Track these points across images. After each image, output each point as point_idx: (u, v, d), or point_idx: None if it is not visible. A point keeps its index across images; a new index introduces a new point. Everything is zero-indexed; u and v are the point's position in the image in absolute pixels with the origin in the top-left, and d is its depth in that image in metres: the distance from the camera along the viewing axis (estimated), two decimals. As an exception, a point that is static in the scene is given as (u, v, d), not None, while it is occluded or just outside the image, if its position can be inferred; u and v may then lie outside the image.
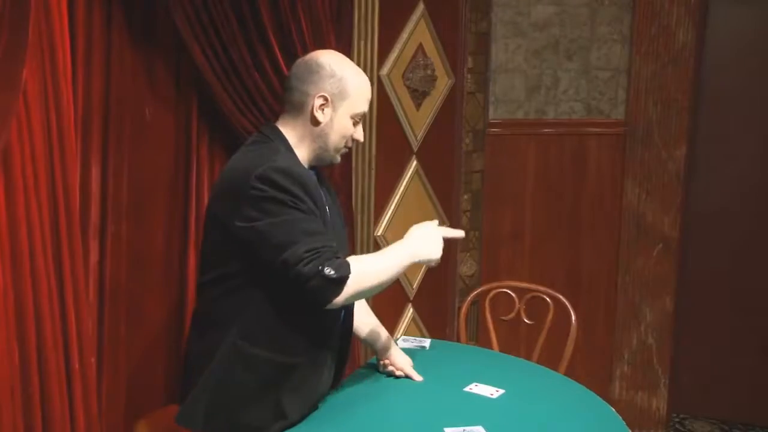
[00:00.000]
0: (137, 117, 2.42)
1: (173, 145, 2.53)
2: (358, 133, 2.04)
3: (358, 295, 1.90)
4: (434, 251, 1.94)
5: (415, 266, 3.53)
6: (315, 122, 1.97)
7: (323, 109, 1.96)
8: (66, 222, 2.05)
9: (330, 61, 2.00)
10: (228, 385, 1.91)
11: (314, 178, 1.98)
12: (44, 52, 1.95)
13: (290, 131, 1.99)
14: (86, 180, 2.28)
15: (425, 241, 1.94)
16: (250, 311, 1.90)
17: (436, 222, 2.01)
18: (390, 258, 1.93)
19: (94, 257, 2.33)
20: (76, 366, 2.05)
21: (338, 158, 2.06)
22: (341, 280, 1.80)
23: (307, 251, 1.79)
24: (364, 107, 2.02)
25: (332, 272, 1.78)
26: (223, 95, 2.47)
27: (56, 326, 2.00)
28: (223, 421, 1.91)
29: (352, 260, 1.87)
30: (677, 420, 4.02)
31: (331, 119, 1.97)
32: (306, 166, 2.01)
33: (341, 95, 1.96)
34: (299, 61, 2.05)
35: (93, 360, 2.20)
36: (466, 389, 2.12)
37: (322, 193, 2.04)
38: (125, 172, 2.39)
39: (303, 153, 2.00)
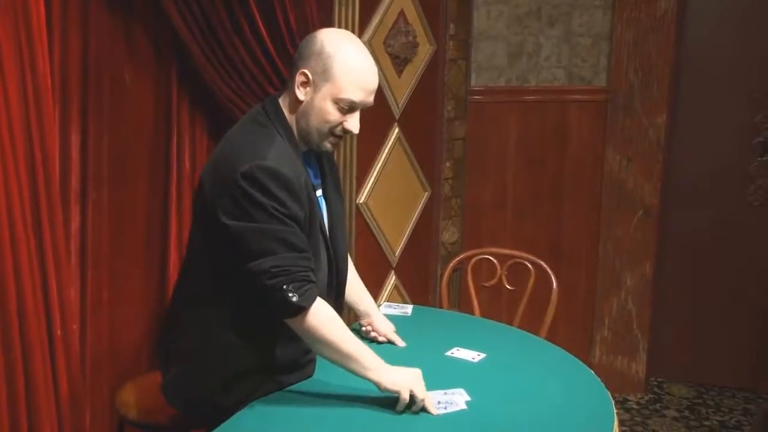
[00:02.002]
0: (116, 82, 2.39)
1: (153, 110, 2.52)
2: (350, 124, 1.86)
3: (307, 334, 1.80)
4: (401, 383, 1.77)
5: (397, 233, 3.59)
6: (295, 100, 1.86)
7: (304, 88, 1.84)
8: (45, 189, 2.03)
9: (326, 38, 1.85)
10: (209, 374, 1.88)
11: (304, 174, 1.86)
12: (18, 16, 1.91)
13: (285, 107, 1.91)
14: (66, 146, 2.26)
15: (402, 374, 1.80)
16: (232, 297, 1.84)
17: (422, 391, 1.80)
18: (355, 345, 1.81)
19: (75, 224, 2.32)
20: (58, 332, 2.05)
21: (326, 145, 1.90)
22: (299, 308, 1.75)
23: (275, 266, 1.73)
24: (352, 95, 1.83)
25: (293, 296, 1.74)
26: (203, 61, 2.45)
27: (37, 293, 1.99)
28: (205, 406, 1.90)
29: (324, 305, 1.80)
30: (655, 383, 4.09)
31: (312, 100, 1.84)
32: (301, 143, 1.91)
33: (324, 76, 1.82)
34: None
35: (75, 326, 2.20)
36: (448, 354, 2.14)
37: (318, 182, 1.97)
38: (105, 138, 2.38)
39: (298, 131, 1.90)
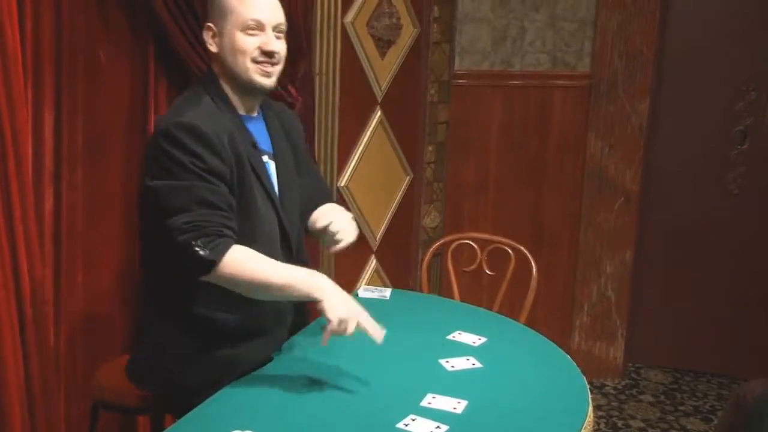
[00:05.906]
0: (91, 59, 2.35)
1: (129, 88, 2.47)
2: (268, 44, 1.86)
3: (232, 284, 1.76)
4: (336, 304, 1.72)
5: (378, 217, 3.57)
6: (214, 57, 1.91)
7: (214, 39, 1.89)
8: (15, 169, 2.00)
9: None
10: (168, 348, 1.86)
11: (235, 133, 1.84)
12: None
13: (217, 70, 1.92)
14: (39, 125, 2.22)
15: (339, 295, 1.75)
16: (170, 266, 1.80)
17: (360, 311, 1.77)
18: (284, 271, 1.77)
19: (48, 204, 2.28)
20: (29, 312, 2.02)
21: (260, 79, 1.88)
22: (209, 263, 1.71)
23: (186, 222, 1.70)
24: (251, 13, 1.84)
25: (202, 251, 1.70)
26: (179, 37, 2.40)
27: (7, 274, 1.96)
28: (167, 382, 1.88)
29: (240, 249, 1.75)
30: (633, 369, 4.12)
31: (223, 44, 1.87)
32: (241, 103, 1.92)
33: (222, 14, 1.86)
34: None
35: (47, 308, 2.17)
36: (449, 337, 2.13)
37: (265, 149, 1.95)
38: (80, 117, 2.33)
39: (232, 88, 1.91)
